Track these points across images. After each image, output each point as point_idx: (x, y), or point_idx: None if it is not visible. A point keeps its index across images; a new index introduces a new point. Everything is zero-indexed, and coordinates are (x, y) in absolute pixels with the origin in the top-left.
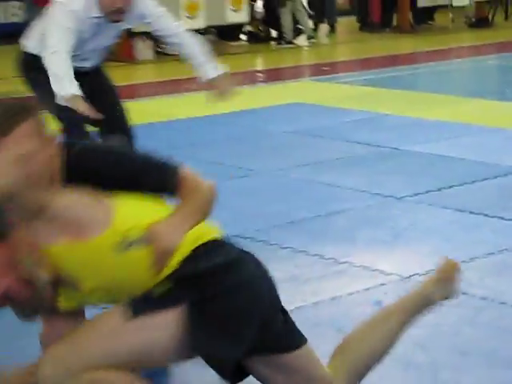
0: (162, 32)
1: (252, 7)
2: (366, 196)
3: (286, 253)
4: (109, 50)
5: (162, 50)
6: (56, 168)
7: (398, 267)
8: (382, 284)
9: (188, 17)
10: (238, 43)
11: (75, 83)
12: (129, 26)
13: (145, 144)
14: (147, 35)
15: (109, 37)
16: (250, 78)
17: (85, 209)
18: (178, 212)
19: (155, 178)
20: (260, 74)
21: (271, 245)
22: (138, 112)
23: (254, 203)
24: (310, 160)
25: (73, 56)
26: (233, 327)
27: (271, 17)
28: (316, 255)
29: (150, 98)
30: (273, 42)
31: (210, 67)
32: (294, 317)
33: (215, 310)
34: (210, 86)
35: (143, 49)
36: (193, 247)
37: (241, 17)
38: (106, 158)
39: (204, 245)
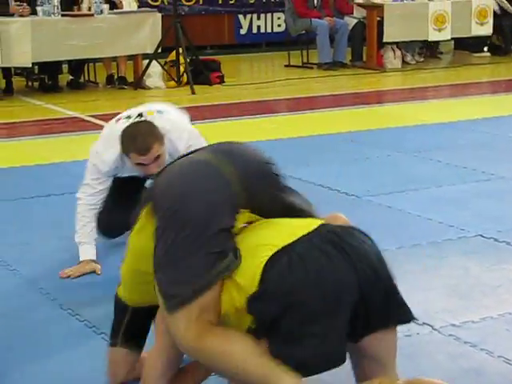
0: None
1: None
2: None
3: None
4: None
5: (407, 60)
6: None
7: None
8: None
9: (435, 29)
10: (481, 54)
11: (91, 247)
12: None
13: (400, 145)
14: (397, 45)
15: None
16: (491, 88)
17: None
18: None
19: None
20: (502, 85)
21: None
22: (386, 116)
23: (495, 206)
24: None
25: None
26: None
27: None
28: None
29: (397, 104)
30: None
31: None
32: None
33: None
34: None
35: (392, 58)
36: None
37: (485, 29)
38: None
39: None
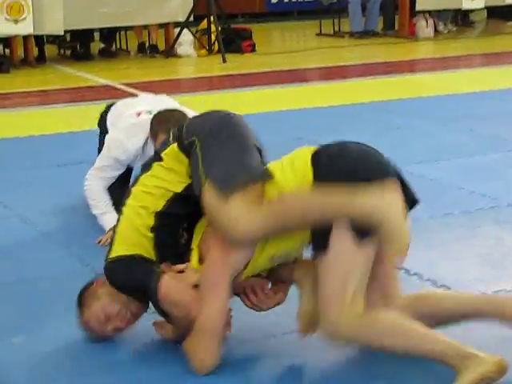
0: None
1: None
2: None
3: None
4: None
5: (439, 29)
6: None
7: None
8: None
9: None
10: None
11: (112, 216)
12: None
13: (432, 114)
14: (429, 13)
15: None
16: None
17: None
18: None
19: None
20: None
21: None
22: (418, 85)
23: None
24: None
25: None
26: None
27: None
28: None
29: (429, 73)
30: None
31: None
32: None
33: None
34: None
35: (424, 27)
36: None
37: None
38: None
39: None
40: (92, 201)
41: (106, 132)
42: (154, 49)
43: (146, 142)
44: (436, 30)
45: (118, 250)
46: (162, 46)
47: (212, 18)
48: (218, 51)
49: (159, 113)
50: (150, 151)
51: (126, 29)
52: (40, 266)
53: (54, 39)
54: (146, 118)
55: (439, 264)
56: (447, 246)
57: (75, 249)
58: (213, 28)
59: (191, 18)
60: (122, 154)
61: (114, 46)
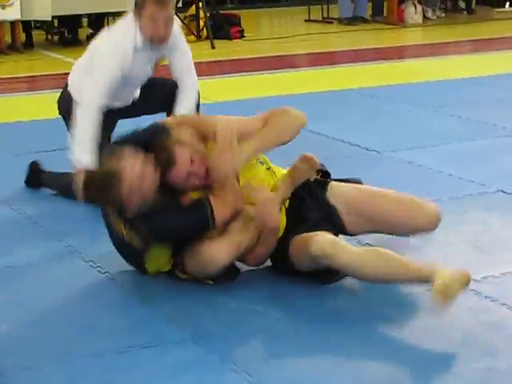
0: (173, 68)
1: None
2: None
3: None
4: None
5: (428, 16)
6: None
7: None
8: None
9: None
10: (503, 9)
11: (92, 153)
12: (158, 58)
13: (421, 100)
14: (418, 0)
15: (144, 72)
16: None
17: None
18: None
19: None
20: None
21: None
22: (407, 71)
23: None
24: None
25: (115, 96)
26: None
27: None
28: None
29: (418, 59)
30: None
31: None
32: None
33: None
34: None
35: (413, 13)
36: None
37: None
38: None
39: None
40: (79, 132)
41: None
42: None
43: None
44: (425, 17)
45: None
46: None
47: (200, 4)
48: (207, 37)
49: None
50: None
51: (114, 14)
52: (27, 253)
53: (42, 25)
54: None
55: (427, 250)
56: (435, 232)
57: (63, 236)
58: (201, 14)
59: (179, 4)
60: (118, 53)
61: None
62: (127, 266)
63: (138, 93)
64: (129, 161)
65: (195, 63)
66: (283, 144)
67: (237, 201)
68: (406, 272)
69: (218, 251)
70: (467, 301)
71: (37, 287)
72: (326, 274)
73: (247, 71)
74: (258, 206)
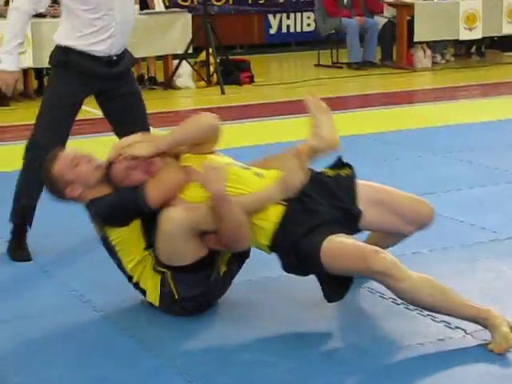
0: None
1: None
2: None
3: None
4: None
5: (437, 61)
6: None
7: None
8: None
9: (466, 28)
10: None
11: (16, 58)
12: None
13: (430, 145)
14: (427, 44)
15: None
16: None
17: None
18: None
19: None
20: None
21: None
22: (416, 116)
23: None
24: None
25: (97, 30)
26: None
27: None
28: None
29: (427, 104)
30: None
31: None
32: None
33: None
34: None
35: (422, 57)
36: None
37: None
38: None
39: None
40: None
41: None
42: (152, 81)
43: None
44: (434, 61)
45: None
46: (160, 78)
47: (210, 50)
48: (217, 83)
49: None
50: None
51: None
52: (38, 304)
53: None
54: None
55: None
56: (447, 280)
57: (74, 285)
58: (211, 60)
59: (190, 50)
60: None
61: None
62: (136, 315)
63: (123, 43)
64: (69, 150)
65: (205, 109)
66: (199, 138)
67: (177, 176)
68: (462, 305)
69: (173, 210)
70: (480, 351)
71: (49, 338)
72: (338, 289)
73: (257, 117)
74: (203, 172)
